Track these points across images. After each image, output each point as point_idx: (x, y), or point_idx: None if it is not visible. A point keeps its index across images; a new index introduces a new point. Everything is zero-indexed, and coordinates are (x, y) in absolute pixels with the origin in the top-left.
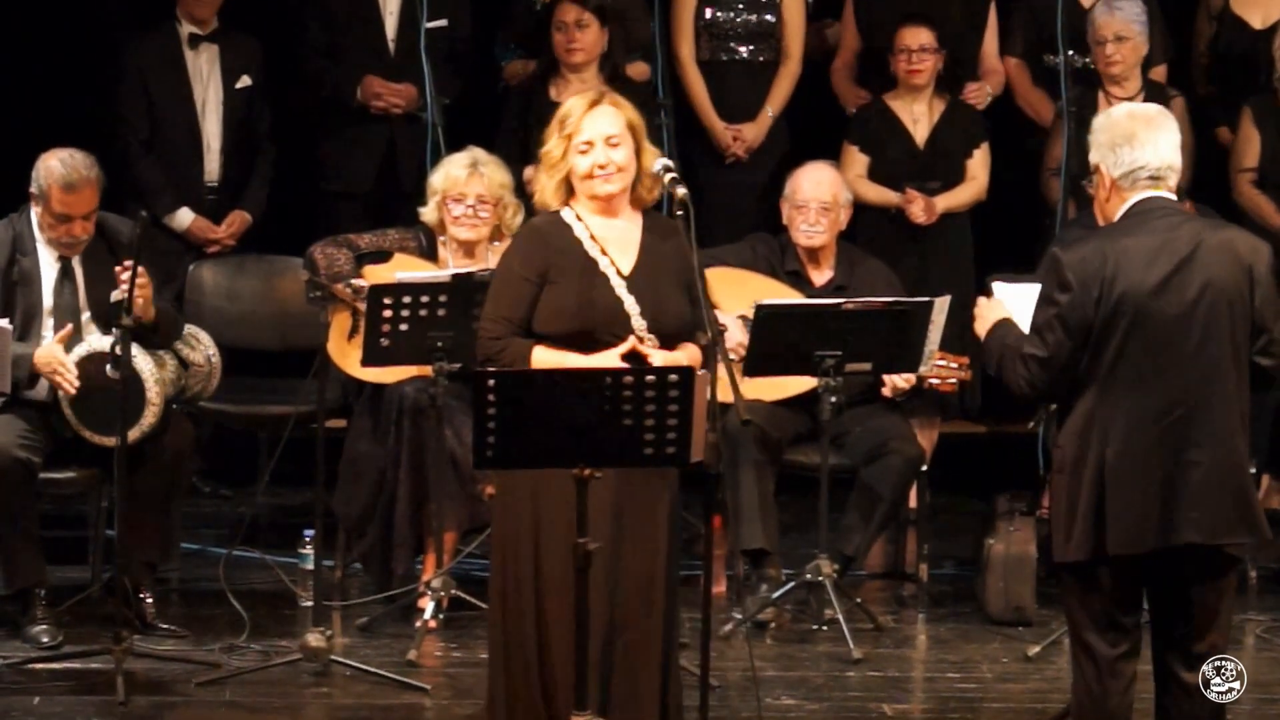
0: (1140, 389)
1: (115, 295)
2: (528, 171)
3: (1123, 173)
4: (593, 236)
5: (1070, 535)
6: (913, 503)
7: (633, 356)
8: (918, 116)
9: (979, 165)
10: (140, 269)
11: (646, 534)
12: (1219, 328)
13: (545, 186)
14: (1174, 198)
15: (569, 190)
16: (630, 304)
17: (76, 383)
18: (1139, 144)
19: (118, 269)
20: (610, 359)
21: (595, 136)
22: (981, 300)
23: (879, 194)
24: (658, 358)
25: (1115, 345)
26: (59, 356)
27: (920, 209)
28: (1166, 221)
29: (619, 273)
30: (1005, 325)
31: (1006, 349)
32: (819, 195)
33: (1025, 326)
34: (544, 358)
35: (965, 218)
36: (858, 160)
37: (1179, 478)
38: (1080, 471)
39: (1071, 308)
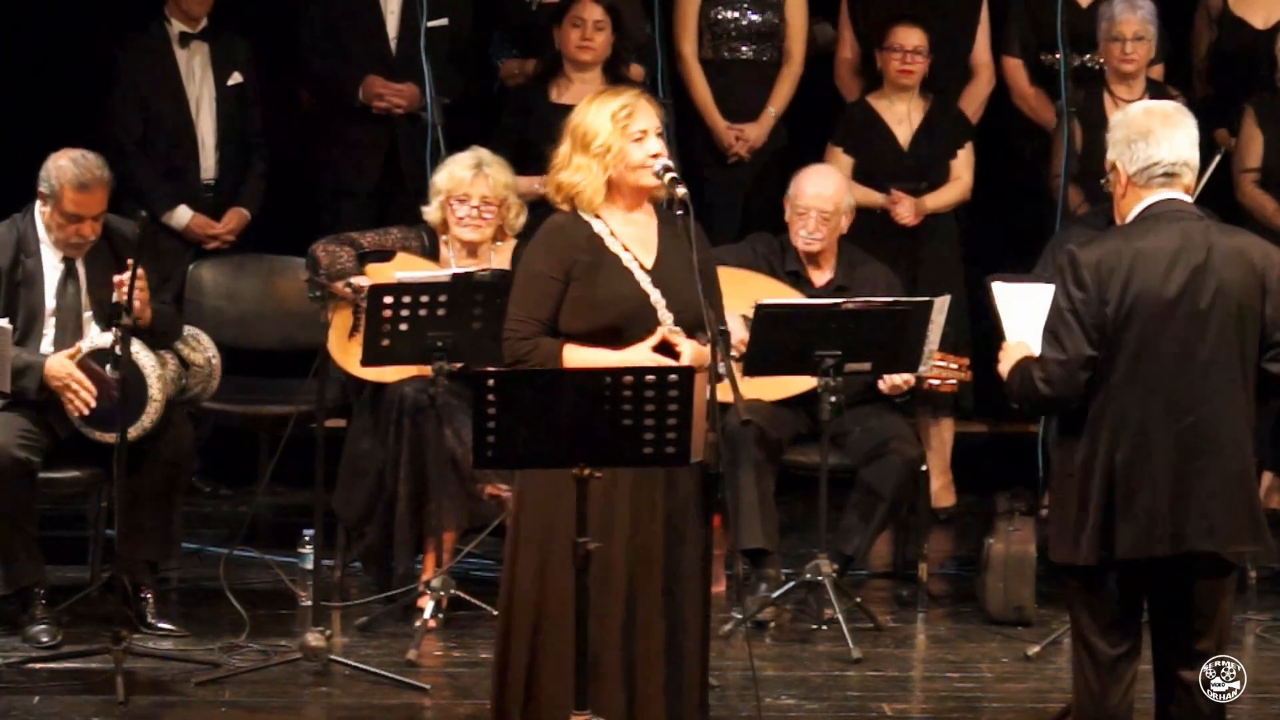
0: (1151, 394)
1: (116, 297)
2: (528, 182)
3: (1138, 169)
4: (613, 233)
5: (1079, 540)
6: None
7: (663, 348)
8: (902, 117)
9: (963, 165)
10: (139, 272)
11: (693, 529)
12: (1229, 335)
13: (588, 182)
14: (1188, 199)
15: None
16: (656, 297)
17: (92, 403)
18: (1155, 140)
19: (116, 278)
20: (643, 351)
21: (648, 127)
22: (1009, 345)
23: (864, 195)
24: (688, 349)
25: (1128, 349)
26: (76, 374)
27: (906, 210)
28: (1182, 226)
29: (642, 267)
30: (1028, 359)
31: (1023, 369)
32: (820, 204)
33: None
34: (576, 355)
35: (951, 217)
36: (842, 162)
37: (1188, 485)
38: (1089, 475)
39: (1086, 306)
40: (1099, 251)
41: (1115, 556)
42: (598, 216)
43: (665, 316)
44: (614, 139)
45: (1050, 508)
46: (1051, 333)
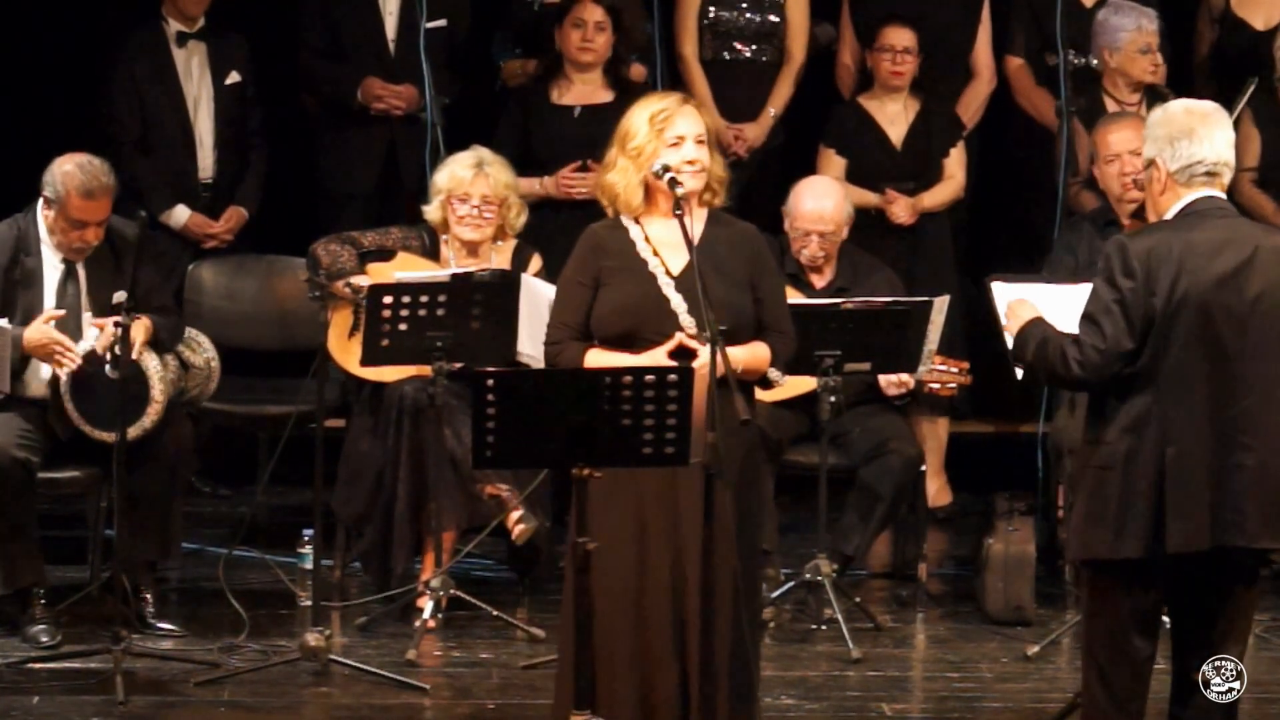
0: (1198, 386)
1: (117, 296)
2: (529, 182)
3: (1180, 166)
4: (646, 238)
5: (1121, 532)
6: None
7: (682, 353)
8: (894, 117)
9: (956, 164)
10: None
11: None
12: (1272, 332)
13: (624, 184)
14: (1224, 198)
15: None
16: (677, 303)
17: (79, 360)
18: (1197, 139)
19: (97, 321)
20: (658, 356)
21: (687, 133)
22: (1012, 302)
23: (858, 196)
24: (706, 353)
25: (1179, 341)
26: (54, 334)
27: (902, 209)
28: (1226, 222)
29: (668, 272)
30: (1041, 322)
31: (1049, 338)
32: (819, 227)
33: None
34: (594, 359)
35: (944, 217)
36: (835, 163)
37: (1227, 478)
38: (1133, 468)
39: (1134, 295)
40: (1149, 241)
41: (1165, 551)
42: (636, 221)
43: (686, 322)
44: (648, 142)
45: (1076, 503)
46: (1092, 318)
